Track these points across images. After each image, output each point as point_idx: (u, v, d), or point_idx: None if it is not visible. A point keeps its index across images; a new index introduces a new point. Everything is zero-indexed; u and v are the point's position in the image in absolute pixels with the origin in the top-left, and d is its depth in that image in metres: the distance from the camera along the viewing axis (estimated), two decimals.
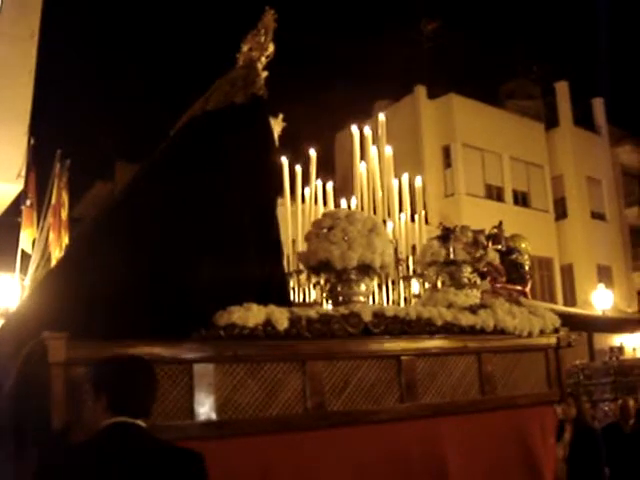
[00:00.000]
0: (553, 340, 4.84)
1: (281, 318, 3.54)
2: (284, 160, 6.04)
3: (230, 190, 3.99)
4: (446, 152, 26.62)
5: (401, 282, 5.48)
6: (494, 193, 27.34)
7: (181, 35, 28.52)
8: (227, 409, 3.43)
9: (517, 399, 4.60)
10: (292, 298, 5.27)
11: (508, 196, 27.63)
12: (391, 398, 3.98)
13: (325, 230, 4.31)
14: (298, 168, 6.12)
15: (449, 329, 4.24)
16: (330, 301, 4.39)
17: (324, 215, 4.61)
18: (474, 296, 4.89)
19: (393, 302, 5.38)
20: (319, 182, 6.09)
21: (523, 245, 5.93)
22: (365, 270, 4.25)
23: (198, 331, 3.35)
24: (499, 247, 5.53)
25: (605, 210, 30.86)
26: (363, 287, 4.33)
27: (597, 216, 30.36)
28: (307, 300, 5.16)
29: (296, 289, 5.45)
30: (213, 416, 3.38)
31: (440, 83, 26.59)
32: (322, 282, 4.70)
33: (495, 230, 5.71)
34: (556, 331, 4.86)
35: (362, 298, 4.30)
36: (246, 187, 4.06)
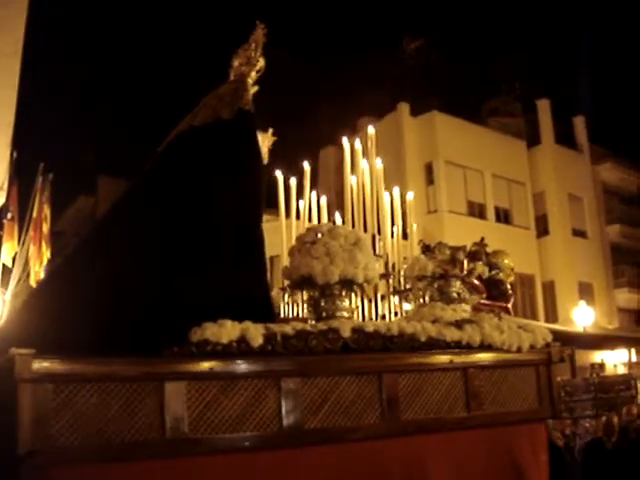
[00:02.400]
0: (544, 355, 4.73)
1: (255, 334, 3.49)
2: (279, 174, 6.01)
3: (214, 205, 3.97)
4: (429, 169, 26.74)
5: (391, 297, 5.41)
6: (476, 210, 27.46)
7: (169, 50, 28.51)
8: (199, 427, 3.37)
9: (506, 416, 4.49)
10: (286, 314, 5.24)
11: (490, 213, 27.77)
12: (372, 416, 3.89)
13: (307, 245, 4.26)
14: (293, 181, 6.07)
15: (433, 345, 4.17)
16: (313, 317, 4.31)
17: (307, 230, 4.56)
18: (462, 311, 4.80)
19: (383, 317, 5.29)
20: (313, 196, 6.05)
21: (506, 261, 5.89)
22: (348, 285, 4.20)
23: (170, 348, 3.31)
24: (480, 264, 5.50)
25: (586, 227, 31.07)
26: (347, 302, 4.28)
27: (578, 233, 30.56)
28: (300, 316, 5.11)
29: (290, 305, 5.40)
30: (185, 434, 3.32)
31: (423, 100, 26.74)
32: (305, 297, 4.67)
33: (475, 247, 5.69)
34: (547, 346, 4.77)
35: (345, 313, 4.24)
36: (230, 202, 4.04)
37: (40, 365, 3.01)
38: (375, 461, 3.85)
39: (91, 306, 3.27)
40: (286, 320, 4.41)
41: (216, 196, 4.05)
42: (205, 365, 3.39)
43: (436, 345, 4.19)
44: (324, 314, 4.21)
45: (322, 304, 4.24)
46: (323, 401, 3.73)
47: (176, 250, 3.67)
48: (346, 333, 3.82)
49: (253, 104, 4.64)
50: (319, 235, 4.30)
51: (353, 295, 4.49)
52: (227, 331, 3.42)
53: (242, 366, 3.51)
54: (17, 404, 2.97)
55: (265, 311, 3.86)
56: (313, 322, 4.21)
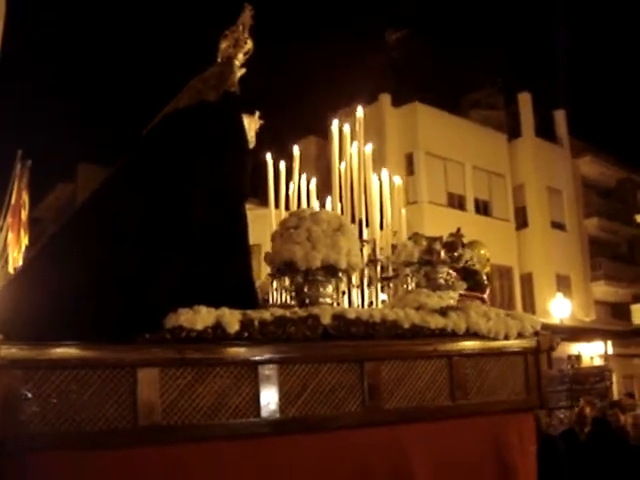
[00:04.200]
0: (533, 343, 4.57)
1: (232, 321, 3.40)
2: (269, 157, 5.95)
3: (196, 188, 3.90)
4: (409, 160, 26.81)
5: (378, 284, 5.36)
6: (456, 201, 27.59)
7: (155, 32, 28.32)
8: (173, 414, 3.30)
9: (492, 405, 4.35)
10: (275, 300, 5.17)
11: (470, 205, 27.91)
12: (352, 404, 3.81)
13: (290, 230, 4.16)
14: (283, 165, 5.99)
15: (417, 332, 4.05)
16: (297, 303, 4.20)
17: (290, 214, 4.44)
18: (449, 297, 4.68)
19: (370, 304, 5.24)
20: (302, 181, 6.00)
21: (482, 252, 5.88)
22: (331, 271, 4.11)
23: (142, 334, 3.24)
24: (455, 254, 5.50)
25: (565, 220, 31.32)
26: (330, 289, 4.18)
27: (557, 226, 30.80)
28: (290, 302, 5.03)
29: (279, 291, 5.34)
30: (158, 422, 3.25)
31: (405, 92, 26.79)
32: (282, 283, 4.61)
33: (452, 237, 5.69)
34: (536, 334, 4.60)
35: (329, 300, 4.14)
36: (213, 185, 3.97)
37: (8, 351, 2.95)
38: (356, 450, 3.78)
39: (68, 292, 3.22)
40: (275, 307, 4.31)
41: (199, 179, 3.98)
42: (178, 351, 3.32)
43: (420, 332, 4.07)
44: (307, 300, 4.11)
45: (305, 290, 4.15)
46: (302, 389, 3.65)
47: (157, 234, 3.61)
48: (326, 320, 3.73)
49: (239, 86, 4.58)
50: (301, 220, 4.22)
51: (339, 282, 4.40)
52: (202, 317, 3.34)
53: (217, 353, 3.43)
54: None
55: (248, 297, 3.79)
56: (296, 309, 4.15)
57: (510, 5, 33.18)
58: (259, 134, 5.15)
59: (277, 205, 5.78)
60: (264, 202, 6.10)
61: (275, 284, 5.19)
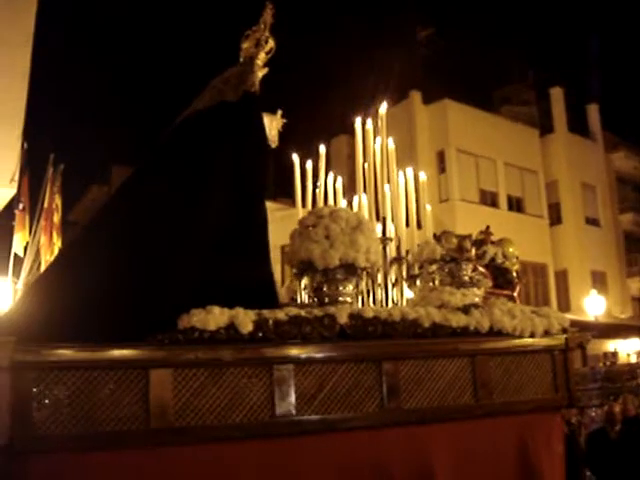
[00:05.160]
0: (560, 341, 4.48)
1: (245, 321, 3.40)
2: (295, 158, 5.95)
3: (215, 190, 3.93)
4: (440, 157, 26.70)
5: (403, 282, 5.31)
6: (488, 199, 27.41)
7: (180, 35, 28.51)
8: (186, 415, 3.30)
9: (518, 405, 4.27)
10: (303, 300, 5.12)
11: (502, 202, 27.71)
12: (370, 404, 3.76)
13: (308, 228, 4.13)
14: (309, 165, 5.98)
15: (437, 331, 4.00)
16: (316, 302, 4.17)
17: (309, 213, 4.39)
18: (473, 295, 4.63)
19: (394, 303, 5.19)
20: (329, 180, 5.99)
21: (510, 249, 5.86)
22: (350, 269, 4.07)
23: (154, 335, 3.26)
24: (490, 246, 5.48)
25: (599, 216, 30.97)
26: (350, 288, 4.14)
27: (591, 222, 30.47)
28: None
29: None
30: (171, 422, 3.26)
31: (435, 89, 26.67)
32: (306, 282, 4.55)
33: (482, 235, 5.66)
34: (564, 331, 4.52)
35: (349, 299, 4.11)
36: (232, 186, 3.98)
37: (21, 352, 2.97)
38: (374, 452, 3.73)
39: (89, 293, 3.25)
40: (301, 306, 4.27)
41: (218, 179, 3.99)
42: (191, 352, 3.32)
43: (440, 331, 4.02)
44: (327, 299, 4.08)
45: (324, 289, 4.12)
46: (318, 389, 3.62)
47: (175, 235, 3.63)
48: (343, 319, 3.70)
49: (260, 86, 4.59)
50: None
51: (359, 280, 4.33)
52: (214, 318, 3.35)
53: (230, 353, 3.42)
54: None
55: (268, 297, 3.79)
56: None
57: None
58: (289, 134, 5.15)
59: (304, 204, 5.79)
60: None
61: (302, 284, 5.18)
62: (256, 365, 3.50)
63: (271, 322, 3.51)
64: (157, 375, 3.26)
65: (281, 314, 3.57)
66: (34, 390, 3.03)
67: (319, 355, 3.68)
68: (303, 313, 3.68)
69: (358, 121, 5.68)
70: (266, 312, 3.55)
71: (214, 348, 3.39)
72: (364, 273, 4.30)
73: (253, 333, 3.45)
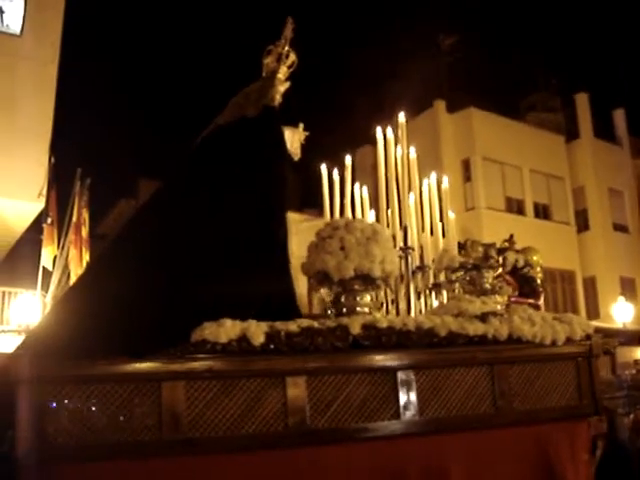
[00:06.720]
0: (585, 348, 4.41)
1: (257, 333, 3.43)
2: (323, 168, 5.97)
3: (236, 204, 3.98)
4: (466, 166, 26.60)
5: (425, 291, 5.31)
6: (515, 206, 27.25)
7: (205, 52, 28.78)
8: (199, 426, 3.34)
9: (540, 413, 4.20)
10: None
11: (529, 209, 27.53)
12: (385, 415, 3.75)
13: (324, 240, 4.16)
14: (336, 175, 5.99)
15: (454, 339, 3.96)
16: (333, 313, 4.19)
17: (325, 225, 4.40)
18: (494, 302, 4.60)
19: (420, 312, 5.17)
20: (355, 190, 6.01)
21: (535, 258, 5.84)
22: (367, 280, 4.07)
23: (167, 349, 3.31)
24: (510, 253, 5.47)
25: (627, 222, 30.63)
26: (368, 298, 4.14)
27: (619, 228, 30.14)
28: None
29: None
30: (184, 433, 3.30)
31: (459, 97, 26.63)
32: (324, 293, 4.61)
33: (506, 243, 5.66)
34: (588, 338, 4.44)
35: (366, 309, 4.10)
36: (252, 200, 4.04)
37: (38, 366, 3.05)
38: (390, 463, 3.71)
39: (115, 307, 3.32)
40: (315, 317, 4.27)
41: (239, 195, 4.04)
42: (203, 365, 3.36)
43: (457, 340, 3.98)
44: (344, 310, 4.08)
45: (342, 300, 4.12)
46: (331, 400, 3.62)
47: (197, 251, 3.69)
48: (356, 330, 3.70)
49: (284, 99, 4.63)
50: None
51: (377, 290, 4.34)
52: (226, 330, 3.39)
53: (242, 365, 3.45)
54: (15, 404, 3.01)
55: (289, 310, 3.82)
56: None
57: (565, 5, 32.74)
58: (315, 145, 5.18)
59: (332, 214, 5.82)
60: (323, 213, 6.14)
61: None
62: (269, 376, 3.52)
63: (283, 334, 3.54)
64: (169, 387, 3.31)
65: (293, 326, 3.60)
66: (49, 402, 3.10)
67: (331, 366, 3.68)
68: (316, 324, 3.70)
69: (379, 131, 5.70)
70: (278, 324, 3.57)
71: (226, 360, 3.42)
72: (382, 283, 4.29)
73: (265, 345, 3.48)
